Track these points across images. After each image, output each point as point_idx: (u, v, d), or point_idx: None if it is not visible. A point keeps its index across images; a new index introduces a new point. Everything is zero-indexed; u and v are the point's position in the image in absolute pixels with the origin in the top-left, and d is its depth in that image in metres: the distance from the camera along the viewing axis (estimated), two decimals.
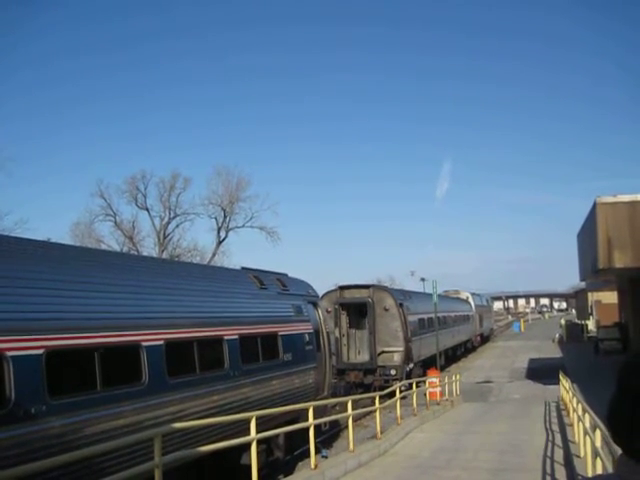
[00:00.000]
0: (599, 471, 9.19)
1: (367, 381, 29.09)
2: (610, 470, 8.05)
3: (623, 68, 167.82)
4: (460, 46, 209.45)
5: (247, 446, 10.70)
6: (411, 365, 30.89)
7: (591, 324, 64.00)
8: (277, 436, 13.62)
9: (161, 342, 10.15)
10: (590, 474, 10.18)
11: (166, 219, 61.84)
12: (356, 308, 30.83)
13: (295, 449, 15.86)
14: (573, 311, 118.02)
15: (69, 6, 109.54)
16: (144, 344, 9.73)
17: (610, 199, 21.27)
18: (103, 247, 52.55)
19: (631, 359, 1.85)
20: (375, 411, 17.44)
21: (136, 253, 52.22)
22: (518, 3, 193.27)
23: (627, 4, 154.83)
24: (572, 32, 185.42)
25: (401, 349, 29.74)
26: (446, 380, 27.18)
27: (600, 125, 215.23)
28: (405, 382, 24.43)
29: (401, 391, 20.43)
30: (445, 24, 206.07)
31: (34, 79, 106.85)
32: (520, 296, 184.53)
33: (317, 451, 13.45)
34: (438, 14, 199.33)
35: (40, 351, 7.73)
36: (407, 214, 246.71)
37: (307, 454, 13.44)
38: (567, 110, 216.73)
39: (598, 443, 9.36)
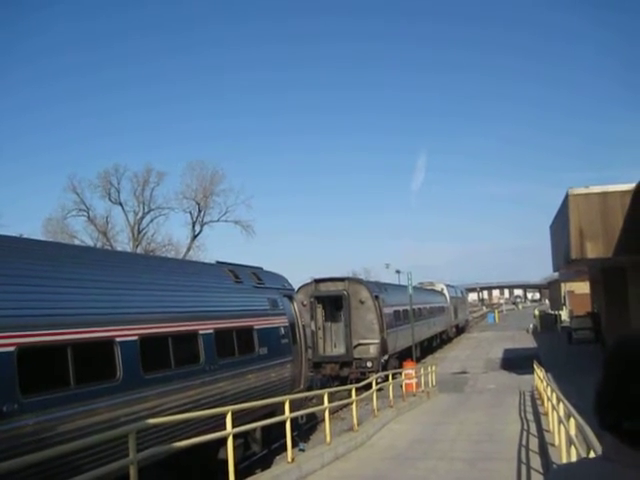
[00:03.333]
0: (574, 459, 9.29)
1: (343, 374, 29.16)
2: None
3: (616, 57, 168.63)
4: (451, 37, 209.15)
5: (224, 441, 10.66)
6: (386, 357, 31.02)
7: (564, 314, 64.84)
8: (254, 430, 13.60)
9: (135, 337, 10.07)
10: (565, 462, 10.29)
11: (140, 214, 61.45)
12: (332, 301, 30.87)
13: (272, 443, 15.85)
14: (546, 301, 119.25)
15: (40, 6, 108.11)
16: (118, 340, 9.64)
17: (582, 190, 21.47)
18: (76, 242, 52.04)
19: (617, 340, 1.89)
20: (352, 403, 17.47)
21: (110, 248, 51.75)
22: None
23: None
24: (565, 23, 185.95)
25: (377, 341, 29.85)
26: (422, 371, 27.32)
27: (588, 115, 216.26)
28: (381, 374, 24.51)
29: (377, 383, 20.49)
30: (436, 15, 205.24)
31: (15, 78, 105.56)
32: (494, 287, 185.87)
33: (294, 444, 13.44)
34: (429, 4, 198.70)
35: (12, 348, 7.62)
36: (382, 206, 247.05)
37: (284, 447, 13.43)
38: (552, 99, 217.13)
39: (572, 431, 9.45)
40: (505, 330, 65.99)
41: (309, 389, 18.79)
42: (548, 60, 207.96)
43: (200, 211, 61.71)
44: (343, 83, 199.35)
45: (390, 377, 22.48)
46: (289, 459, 12.40)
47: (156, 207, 61.78)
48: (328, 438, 14.57)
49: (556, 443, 12.63)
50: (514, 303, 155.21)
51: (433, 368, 28.79)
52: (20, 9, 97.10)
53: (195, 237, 62.00)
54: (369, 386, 19.75)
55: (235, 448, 10.80)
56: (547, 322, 61.95)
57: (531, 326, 63.19)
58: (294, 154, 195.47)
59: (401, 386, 24.33)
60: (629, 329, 23.62)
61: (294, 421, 14.24)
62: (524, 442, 14.54)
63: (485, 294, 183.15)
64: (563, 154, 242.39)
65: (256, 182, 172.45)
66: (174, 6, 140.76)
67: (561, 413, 11.41)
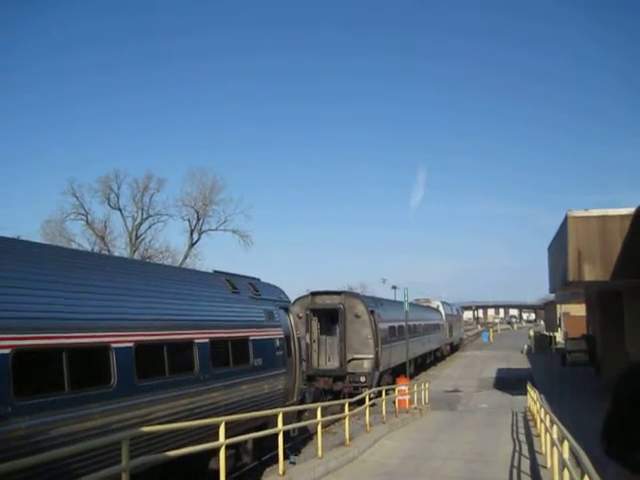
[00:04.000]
0: None
1: (336, 388, 29.05)
2: None
3: (618, 78, 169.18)
4: (452, 54, 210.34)
5: (215, 451, 10.61)
6: (380, 372, 30.91)
7: (559, 336, 64.69)
8: (245, 441, 13.54)
9: (131, 344, 10.04)
10: None
11: (138, 219, 61.49)
12: (327, 314, 30.81)
13: (263, 455, 15.78)
14: (541, 322, 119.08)
15: (42, 8, 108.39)
16: (113, 346, 9.61)
17: (581, 213, 21.53)
18: (74, 246, 51.96)
19: (625, 369, 1.89)
20: (344, 418, 17.42)
21: (107, 253, 51.68)
22: (514, 11, 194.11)
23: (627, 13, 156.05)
24: (567, 42, 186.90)
25: (371, 356, 29.77)
26: (415, 388, 27.24)
27: (591, 137, 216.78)
28: (374, 389, 24.44)
29: (370, 398, 20.43)
30: (438, 30, 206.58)
31: (16, 80, 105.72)
32: (490, 306, 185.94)
33: (285, 457, 13.39)
34: (427, 18, 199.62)
35: (7, 350, 7.59)
36: (381, 221, 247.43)
37: (275, 460, 13.37)
38: (554, 120, 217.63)
39: (566, 454, 9.42)
40: (499, 350, 65.86)
41: (301, 402, 18.72)
42: (550, 80, 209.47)
43: (199, 219, 61.90)
44: (345, 96, 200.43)
45: (383, 393, 22.41)
46: (280, 472, 12.35)
47: (155, 213, 61.93)
48: (320, 452, 14.51)
49: (548, 465, 12.59)
50: (509, 323, 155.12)
51: (426, 385, 28.73)
52: (21, 10, 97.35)
53: (193, 245, 62.16)
54: (362, 401, 19.69)
55: (227, 459, 10.76)
56: (542, 343, 61.82)
57: (525, 347, 63.09)
58: (294, 166, 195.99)
59: (394, 402, 24.26)
60: (624, 352, 23.61)
61: (286, 434, 14.19)
62: (516, 463, 14.49)
63: (480, 313, 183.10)
64: (564, 176, 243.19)
65: (255, 193, 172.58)
66: (178, 12, 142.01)
67: (554, 435, 11.37)
